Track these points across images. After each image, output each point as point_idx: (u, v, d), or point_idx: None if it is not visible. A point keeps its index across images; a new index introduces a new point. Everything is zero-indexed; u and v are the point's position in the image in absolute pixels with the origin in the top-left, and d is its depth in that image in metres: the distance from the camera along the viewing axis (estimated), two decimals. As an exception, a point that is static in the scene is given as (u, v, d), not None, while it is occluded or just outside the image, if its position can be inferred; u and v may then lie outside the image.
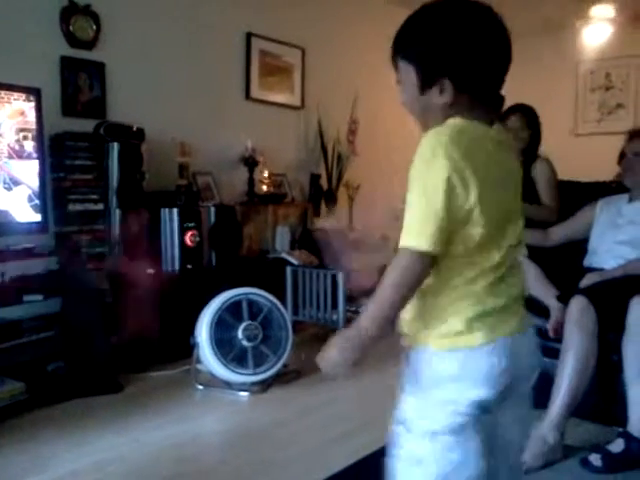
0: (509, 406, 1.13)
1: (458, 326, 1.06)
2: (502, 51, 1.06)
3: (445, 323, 1.07)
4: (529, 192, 2.97)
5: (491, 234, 1.05)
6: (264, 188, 4.36)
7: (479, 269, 1.07)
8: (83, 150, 3.19)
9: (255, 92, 4.50)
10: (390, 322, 1.06)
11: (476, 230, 1.04)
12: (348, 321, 3.62)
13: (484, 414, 1.08)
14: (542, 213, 2.95)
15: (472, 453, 1.08)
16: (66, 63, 3.38)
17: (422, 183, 1.01)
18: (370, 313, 1.05)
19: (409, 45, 1.08)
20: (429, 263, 1.02)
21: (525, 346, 1.14)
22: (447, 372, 1.07)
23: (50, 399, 2.74)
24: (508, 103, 3.36)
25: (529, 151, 3.06)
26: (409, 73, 1.08)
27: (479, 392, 1.07)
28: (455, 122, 1.05)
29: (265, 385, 2.96)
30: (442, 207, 0.99)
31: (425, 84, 1.06)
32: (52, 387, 2.81)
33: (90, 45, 3.48)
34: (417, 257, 1.01)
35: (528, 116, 3.06)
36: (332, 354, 1.08)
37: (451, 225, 1.01)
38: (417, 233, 1.01)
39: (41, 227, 2.96)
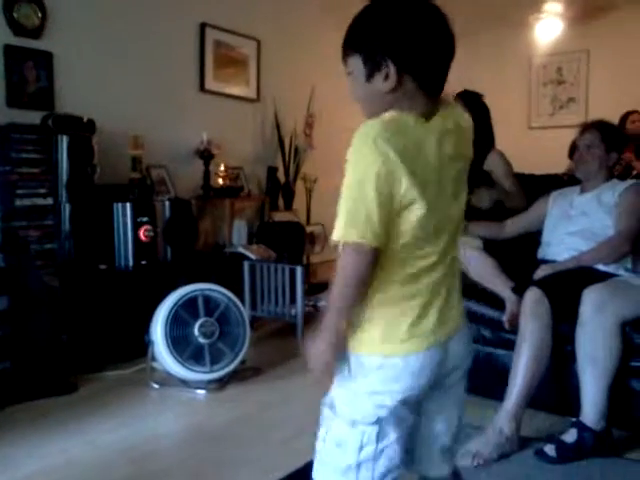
0: (436, 396, 1.20)
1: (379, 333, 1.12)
2: (443, 39, 1.09)
3: (374, 326, 1.12)
4: (483, 183, 2.99)
5: (426, 225, 1.07)
6: (220, 181, 4.30)
7: (414, 268, 1.10)
8: (30, 143, 3.08)
9: (210, 84, 4.43)
10: (349, 314, 1.12)
11: (410, 223, 1.06)
12: (307, 315, 3.60)
13: (406, 407, 1.14)
14: (512, 200, 2.97)
15: (389, 446, 1.13)
16: (10, 52, 3.26)
17: (354, 177, 1.03)
18: (329, 317, 1.11)
19: (355, 36, 1.12)
20: (375, 256, 1.05)
21: (458, 341, 1.20)
22: (374, 364, 1.12)
23: (-2, 402, 2.64)
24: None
25: (478, 142, 3.04)
26: (356, 63, 1.11)
27: (404, 385, 1.11)
28: (391, 115, 1.07)
29: (222, 383, 2.92)
30: (374, 201, 1.01)
31: (371, 71, 1.09)
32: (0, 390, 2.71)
33: (36, 34, 3.36)
34: (363, 253, 1.04)
35: (468, 102, 2.92)
36: (311, 358, 1.14)
37: (384, 218, 1.03)
38: (358, 228, 1.03)
39: (-14, 223, 2.85)
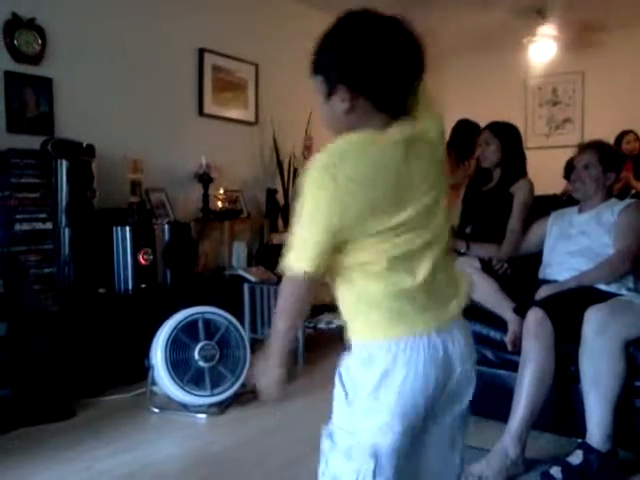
0: (434, 431, 1.18)
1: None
2: (401, 59, 1.09)
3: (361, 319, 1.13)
4: (504, 206, 2.98)
5: (394, 241, 1.07)
6: (219, 204, 4.31)
7: (387, 281, 1.09)
8: (30, 167, 3.08)
9: (209, 108, 4.45)
10: (293, 335, 1.20)
11: (372, 241, 1.07)
12: (308, 337, 3.58)
13: (405, 434, 1.10)
14: (509, 240, 2.91)
15: None
16: (11, 78, 3.28)
17: (307, 204, 1.05)
18: (274, 340, 1.15)
19: (315, 58, 1.14)
20: (313, 282, 1.09)
21: (458, 336, 1.16)
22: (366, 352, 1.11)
23: (-3, 428, 2.61)
24: (460, 117, 3.40)
25: (508, 167, 3.05)
26: (317, 84, 1.13)
27: (400, 379, 1.08)
28: (348, 138, 1.07)
29: (223, 406, 2.89)
30: (324, 230, 1.04)
31: (328, 92, 1.11)
32: (-1, 416, 2.69)
33: (36, 60, 3.39)
34: (300, 280, 1.08)
35: (497, 132, 3.07)
36: (262, 381, 1.19)
37: (338, 242, 1.05)
38: (299, 255, 1.06)
39: (-15, 248, 2.84)
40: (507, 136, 3.10)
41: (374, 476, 1.08)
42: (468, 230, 3.08)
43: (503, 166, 3.05)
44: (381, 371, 1.08)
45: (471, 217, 3.11)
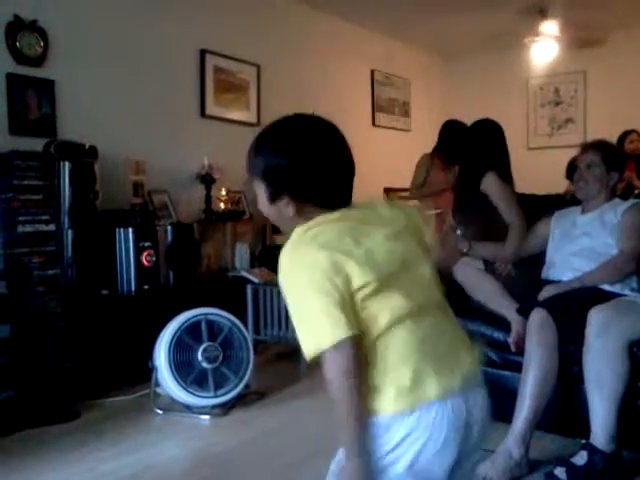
0: None
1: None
2: (339, 162, 1.13)
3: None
4: (482, 206, 2.98)
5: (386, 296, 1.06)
6: (222, 206, 4.31)
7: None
8: (32, 169, 3.09)
9: (211, 109, 4.45)
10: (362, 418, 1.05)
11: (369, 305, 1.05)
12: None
13: None
14: (513, 237, 2.89)
15: None
16: (13, 80, 3.28)
17: (303, 291, 1.04)
18: (348, 438, 1.04)
19: (255, 163, 1.14)
20: (355, 347, 1.02)
21: (475, 395, 1.13)
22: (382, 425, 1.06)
23: (1, 430, 2.61)
24: (466, 118, 3.43)
25: (474, 164, 3.07)
26: (259, 187, 1.14)
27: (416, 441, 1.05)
28: (305, 226, 1.09)
29: (227, 408, 2.89)
30: (334, 297, 1.01)
31: (272, 197, 1.13)
32: (3, 417, 2.68)
33: (38, 62, 3.39)
34: (341, 353, 1.01)
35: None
36: None
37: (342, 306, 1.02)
38: (326, 329, 1.02)
39: (-12, 250, 2.84)
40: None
41: None
42: (460, 232, 3.06)
43: (469, 164, 3.10)
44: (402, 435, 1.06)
45: (461, 219, 3.10)
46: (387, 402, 1.05)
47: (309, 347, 1.03)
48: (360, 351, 1.03)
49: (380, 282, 1.05)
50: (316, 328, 1.03)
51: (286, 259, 1.07)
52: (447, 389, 1.07)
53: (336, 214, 1.10)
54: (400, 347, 1.07)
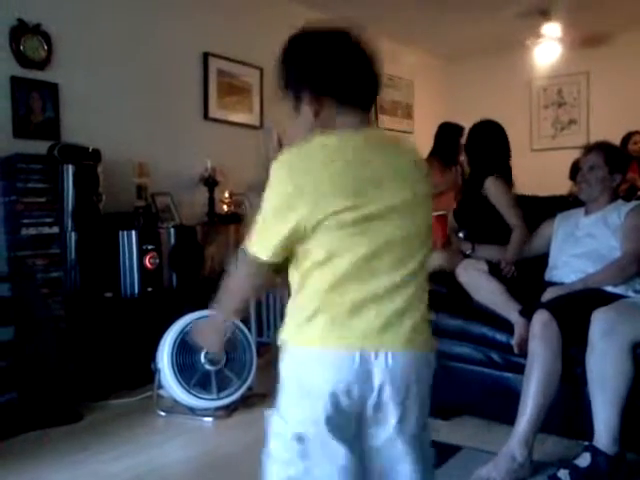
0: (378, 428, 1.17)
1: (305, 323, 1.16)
2: (353, 59, 1.20)
3: (297, 321, 1.18)
4: (484, 208, 2.98)
5: (347, 243, 1.12)
6: (225, 208, 4.31)
7: (336, 279, 1.12)
8: (36, 172, 3.10)
9: (214, 112, 4.46)
10: (239, 311, 1.36)
11: (324, 241, 1.12)
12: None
13: (333, 431, 1.11)
14: (515, 239, 2.89)
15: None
16: (17, 83, 3.30)
17: (268, 201, 1.15)
18: (223, 307, 1.31)
19: (280, 73, 1.26)
20: (265, 269, 1.19)
21: (405, 364, 1.15)
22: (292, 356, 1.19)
23: (3, 432, 2.62)
24: (469, 120, 3.43)
25: (477, 168, 3.08)
26: (287, 99, 1.24)
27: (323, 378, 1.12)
28: (308, 143, 1.16)
29: (230, 410, 2.90)
30: (280, 225, 1.13)
31: (296, 100, 1.22)
32: (6, 420, 2.69)
33: (42, 65, 3.41)
34: (257, 264, 1.18)
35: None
36: (204, 336, 1.55)
37: (292, 238, 1.13)
38: (259, 243, 1.17)
39: (-8, 253, 2.86)
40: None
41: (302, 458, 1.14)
42: (462, 235, 3.06)
43: (471, 166, 3.10)
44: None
45: (464, 221, 3.10)
46: (298, 334, 1.17)
47: (246, 244, 1.19)
48: (269, 275, 1.21)
49: (340, 220, 1.10)
50: (258, 235, 1.17)
51: (272, 168, 1.16)
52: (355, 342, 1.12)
53: (338, 138, 1.16)
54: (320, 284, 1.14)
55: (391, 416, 1.15)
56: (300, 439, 1.13)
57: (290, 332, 1.18)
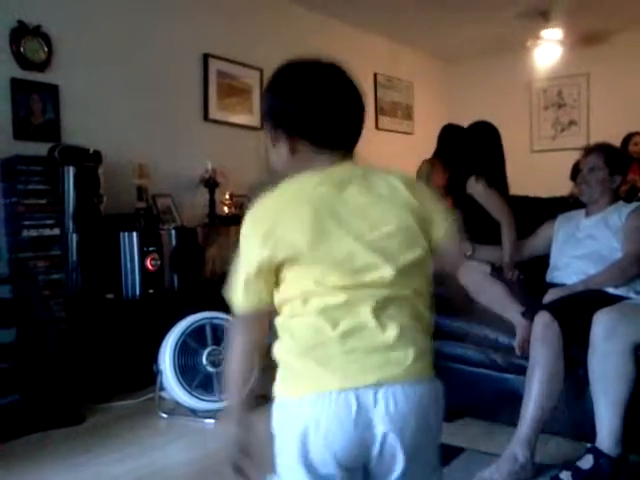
0: None
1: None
2: (335, 100, 1.13)
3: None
4: (473, 209, 2.99)
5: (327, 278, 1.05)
6: (226, 209, 4.31)
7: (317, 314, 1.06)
8: (37, 174, 3.09)
9: (214, 113, 4.46)
10: (246, 383, 1.15)
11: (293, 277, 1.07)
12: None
13: None
14: (505, 240, 2.91)
15: None
16: (17, 85, 3.30)
17: (240, 254, 1.11)
18: (229, 401, 1.17)
19: (260, 108, 1.25)
20: (252, 318, 1.13)
21: (407, 397, 1.04)
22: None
23: (6, 434, 2.61)
24: (469, 121, 3.44)
25: (461, 167, 3.11)
26: (267, 130, 1.18)
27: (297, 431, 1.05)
28: (281, 185, 1.12)
29: (231, 411, 2.89)
30: (249, 262, 1.09)
31: (273, 139, 1.16)
32: (8, 422, 2.69)
33: (42, 67, 3.41)
34: (241, 318, 1.13)
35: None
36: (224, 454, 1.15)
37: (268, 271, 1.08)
38: (235, 295, 1.12)
39: (-7, 255, 2.85)
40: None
41: None
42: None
43: (453, 167, 3.15)
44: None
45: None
46: (280, 384, 1.12)
47: (232, 301, 1.13)
48: (263, 323, 1.14)
49: (313, 260, 1.05)
50: (235, 289, 1.12)
51: (247, 217, 1.14)
52: (344, 383, 1.02)
53: (315, 176, 1.10)
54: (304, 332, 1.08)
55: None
56: None
57: None
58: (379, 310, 1.05)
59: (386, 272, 1.05)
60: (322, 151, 1.12)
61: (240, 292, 1.11)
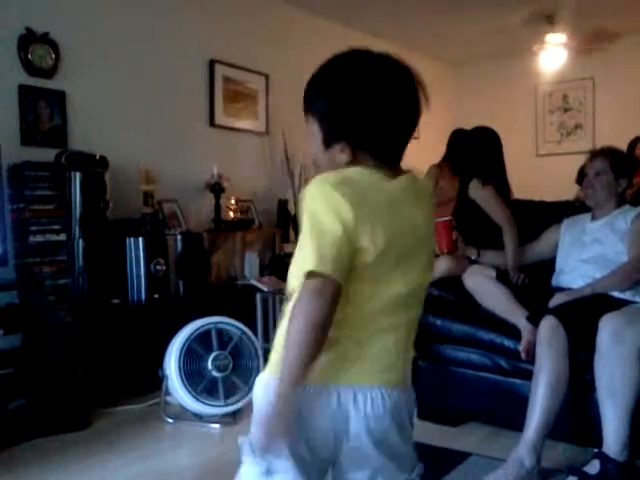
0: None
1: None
2: (404, 109, 1.05)
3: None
4: (474, 212, 3.00)
5: (382, 271, 1.03)
6: (231, 215, 4.32)
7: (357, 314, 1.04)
8: (44, 180, 3.11)
9: (220, 119, 4.48)
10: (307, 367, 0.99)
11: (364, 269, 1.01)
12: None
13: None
14: (508, 244, 2.91)
15: None
16: (25, 92, 3.32)
17: (314, 226, 0.98)
18: (286, 371, 1.00)
19: (314, 102, 1.09)
20: (336, 290, 0.97)
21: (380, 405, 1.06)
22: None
23: (12, 439, 2.62)
24: (474, 126, 3.44)
25: (463, 171, 3.14)
26: (315, 128, 1.08)
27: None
28: (347, 170, 1.04)
29: (237, 416, 2.89)
30: (338, 236, 0.97)
31: (327, 141, 1.07)
32: (13, 426, 2.70)
33: (50, 74, 3.43)
34: (323, 281, 0.96)
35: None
36: (256, 437, 1.08)
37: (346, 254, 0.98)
38: (319, 259, 0.96)
39: (0, 260, 2.86)
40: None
41: None
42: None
43: (459, 171, 3.18)
44: None
45: (461, 227, 3.11)
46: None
47: (310, 261, 0.97)
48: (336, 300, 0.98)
49: (385, 258, 1.01)
50: (312, 256, 0.97)
51: (315, 185, 1.01)
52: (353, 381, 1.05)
53: (376, 176, 1.04)
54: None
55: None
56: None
57: None
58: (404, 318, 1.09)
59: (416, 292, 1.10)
60: (381, 165, 1.05)
61: (329, 256, 0.96)
